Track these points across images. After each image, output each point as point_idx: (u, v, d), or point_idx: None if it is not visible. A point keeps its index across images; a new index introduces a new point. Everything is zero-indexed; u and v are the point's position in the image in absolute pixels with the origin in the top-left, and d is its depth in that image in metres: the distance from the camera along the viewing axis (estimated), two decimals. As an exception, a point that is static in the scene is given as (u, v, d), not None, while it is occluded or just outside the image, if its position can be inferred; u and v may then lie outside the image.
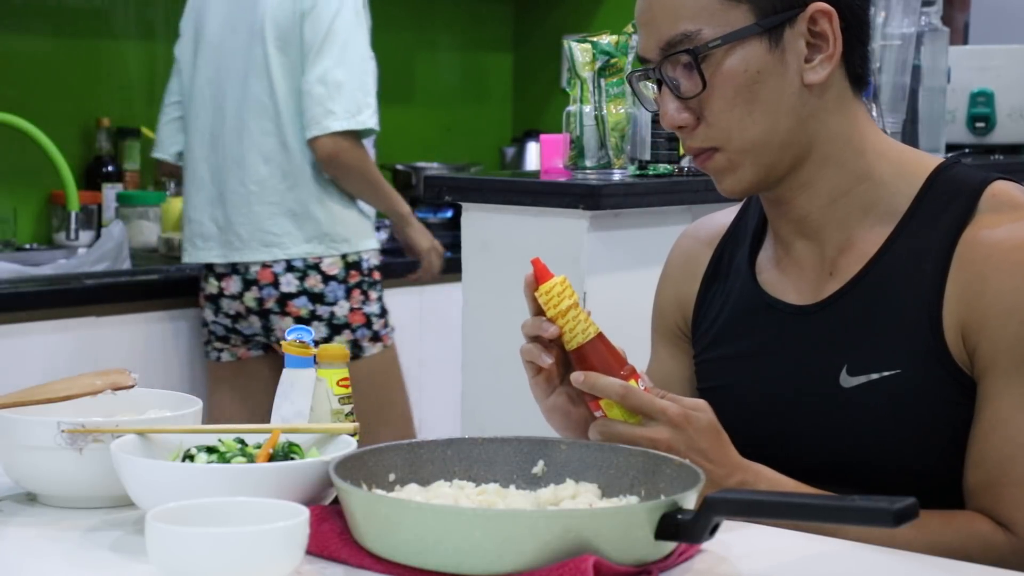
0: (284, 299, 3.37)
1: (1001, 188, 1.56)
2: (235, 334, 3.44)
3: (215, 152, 3.41)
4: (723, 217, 1.77)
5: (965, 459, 1.53)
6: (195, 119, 3.45)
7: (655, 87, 1.60)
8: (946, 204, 1.56)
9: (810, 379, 1.59)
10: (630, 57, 2.79)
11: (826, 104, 1.57)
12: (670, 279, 1.80)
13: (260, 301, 3.37)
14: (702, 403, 1.51)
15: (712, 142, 1.57)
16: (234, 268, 3.38)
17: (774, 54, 1.54)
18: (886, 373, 1.54)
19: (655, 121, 2.74)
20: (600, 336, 1.52)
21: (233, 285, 3.39)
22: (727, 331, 1.68)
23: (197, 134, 3.44)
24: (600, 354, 1.52)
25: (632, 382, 1.50)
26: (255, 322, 3.40)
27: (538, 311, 1.53)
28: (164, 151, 3.57)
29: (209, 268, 3.41)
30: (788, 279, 1.65)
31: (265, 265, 3.36)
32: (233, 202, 3.37)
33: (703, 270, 1.74)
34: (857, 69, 1.59)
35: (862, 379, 1.55)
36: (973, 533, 1.49)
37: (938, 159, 1.62)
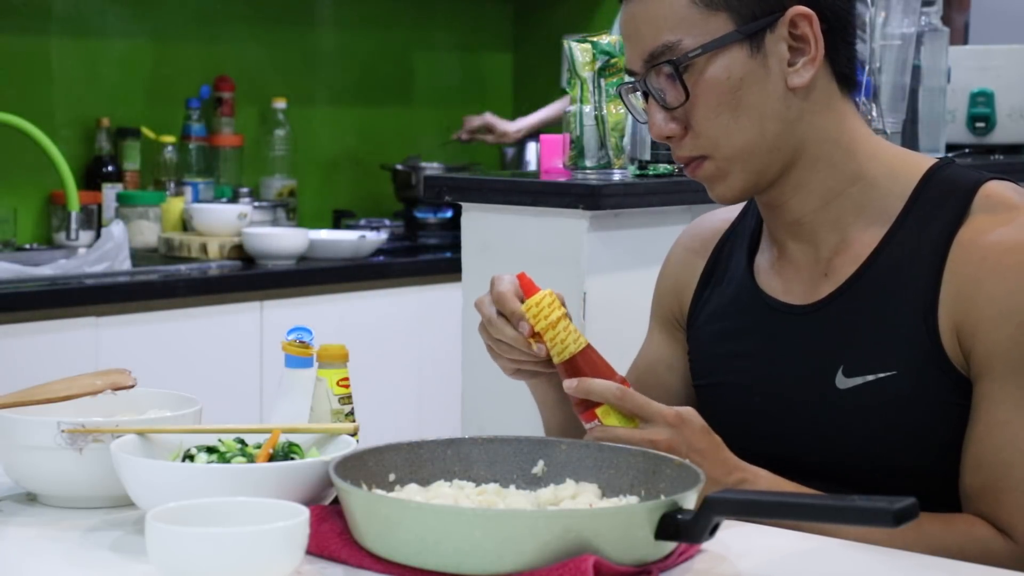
0: None
1: (994, 188, 1.56)
2: None
3: None
4: (725, 214, 1.78)
5: (961, 462, 1.53)
6: None
7: (643, 98, 1.61)
8: (939, 205, 1.56)
9: (806, 380, 1.59)
10: (630, 57, 2.78)
11: (812, 106, 1.57)
12: (670, 271, 1.80)
13: None
14: (689, 408, 1.53)
15: (700, 150, 1.57)
16: None
17: (756, 59, 1.54)
18: (882, 374, 1.54)
19: (655, 121, 2.74)
20: (589, 347, 1.53)
21: None
22: (724, 329, 1.69)
23: None
24: (592, 363, 1.52)
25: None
26: None
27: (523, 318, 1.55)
28: None
29: None
30: (784, 280, 1.65)
31: None
32: None
33: (702, 267, 1.75)
34: (844, 69, 1.60)
35: (858, 380, 1.55)
36: (973, 538, 1.49)
37: (931, 160, 1.62)
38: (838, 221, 1.60)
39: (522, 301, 1.55)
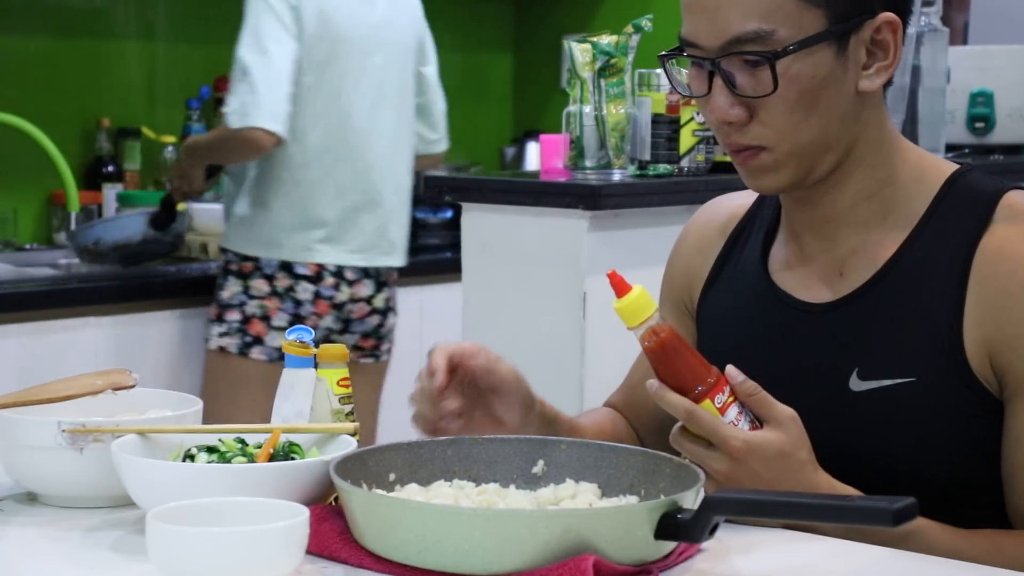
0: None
1: (1016, 198, 1.54)
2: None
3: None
4: (741, 199, 1.74)
5: (1005, 480, 1.50)
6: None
7: (707, 77, 1.53)
8: (961, 212, 1.54)
9: (818, 379, 1.57)
10: (630, 57, 2.78)
11: (868, 109, 1.56)
12: (683, 254, 1.78)
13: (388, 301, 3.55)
14: (765, 434, 1.44)
15: (762, 141, 1.53)
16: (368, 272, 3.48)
17: (839, 61, 1.51)
18: (899, 380, 1.52)
19: (655, 121, 2.75)
20: (678, 338, 1.45)
21: (366, 289, 3.48)
22: (734, 322, 1.66)
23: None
24: (680, 356, 1.45)
25: (708, 404, 1.44)
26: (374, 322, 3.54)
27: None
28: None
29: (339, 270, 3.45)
30: (799, 276, 1.63)
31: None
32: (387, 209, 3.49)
33: (716, 253, 1.72)
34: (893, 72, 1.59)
35: (874, 384, 1.53)
36: None
37: (953, 165, 1.60)
38: (864, 222, 1.58)
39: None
